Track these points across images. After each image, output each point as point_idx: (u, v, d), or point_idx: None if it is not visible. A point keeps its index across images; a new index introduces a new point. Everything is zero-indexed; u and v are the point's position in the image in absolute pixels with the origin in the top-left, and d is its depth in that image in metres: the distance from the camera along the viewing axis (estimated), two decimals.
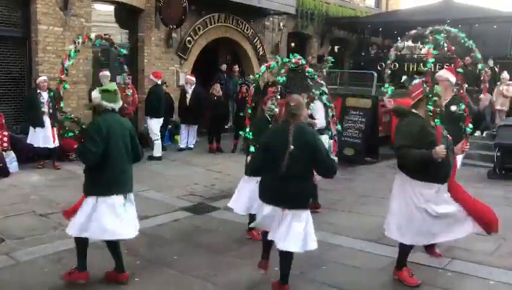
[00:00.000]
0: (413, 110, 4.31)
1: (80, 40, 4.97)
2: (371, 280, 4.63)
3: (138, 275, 4.53)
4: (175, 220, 6.32)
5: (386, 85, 5.77)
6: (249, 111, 5.74)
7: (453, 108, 5.09)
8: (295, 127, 3.97)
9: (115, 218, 4.17)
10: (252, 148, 5.02)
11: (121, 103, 4.37)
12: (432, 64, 4.56)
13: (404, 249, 4.48)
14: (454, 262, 4.94)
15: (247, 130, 5.25)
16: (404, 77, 4.96)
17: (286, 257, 4.14)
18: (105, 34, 6.30)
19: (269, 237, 4.20)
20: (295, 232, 4.00)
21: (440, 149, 4.01)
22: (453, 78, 5.21)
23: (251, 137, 5.13)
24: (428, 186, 4.23)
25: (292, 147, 3.89)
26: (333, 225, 6.15)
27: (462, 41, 5.38)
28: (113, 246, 4.37)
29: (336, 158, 4.51)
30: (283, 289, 4.19)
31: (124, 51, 6.91)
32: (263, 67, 5.82)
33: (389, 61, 6.02)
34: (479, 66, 5.24)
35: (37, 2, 9.44)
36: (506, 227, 6.16)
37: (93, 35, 5.47)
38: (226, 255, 5.08)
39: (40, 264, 4.74)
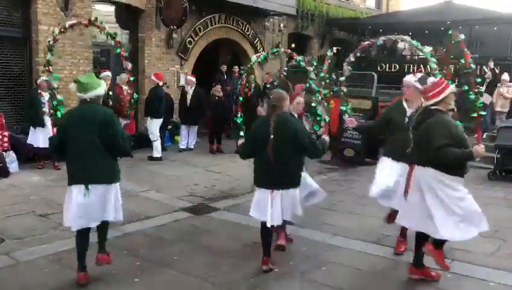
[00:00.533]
0: (440, 108, 4.23)
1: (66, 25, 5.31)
2: (370, 281, 4.63)
3: (138, 276, 4.53)
4: (175, 220, 6.32)
5: (344, 105, 5.74)
6: (240, 99, 6.34)
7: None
8: (277, 118, 4.39)
9: (74, 208, 4.21)
10: (241, 133, 5.26)
11: (94, 93, 4.24)
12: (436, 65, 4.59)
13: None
14: (454, 264, 4.94)
15: (239, 115, 5.91)
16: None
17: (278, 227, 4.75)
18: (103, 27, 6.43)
19: (263, 219, 4.57)
20: (283, 207, 4.51)
21: (481, 148, 4.09)
22: (418, 85, 4.86)
23: (240, 122, 5.53)
24: (458, 181, 4.26)
25: (272, 136, 4.33)
26: (333, 226, 6.15)
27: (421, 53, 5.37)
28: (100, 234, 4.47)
29: (327, 138, 4.87)
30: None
31: (122, 51, 6.92)
32: (254, 57, 5.99)
33: (342, 78, 5.92)
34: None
35: (37, 2, 9.45)
36: (506, 229, 6.18)
37: (68, 24, 5.71)
38: (226, 256, 5.08)
39: (40, 265, 4.74)
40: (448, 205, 4.22)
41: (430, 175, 4.27)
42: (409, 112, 4.95)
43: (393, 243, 5.34)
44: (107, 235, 4.54)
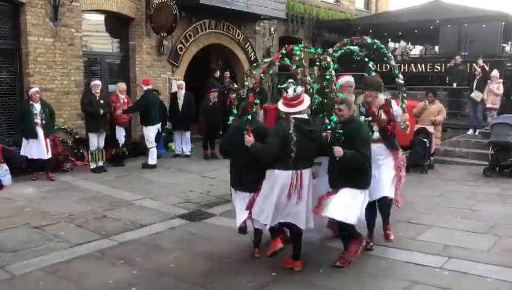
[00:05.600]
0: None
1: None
2: (369, 282, 4.63)
3: (135, 285, 4.50)
4: (171, 228, 6.29)
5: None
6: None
7: None
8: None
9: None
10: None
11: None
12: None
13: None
14: (451, 261, 4.96)
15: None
16: None
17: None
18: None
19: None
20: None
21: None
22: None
23: None
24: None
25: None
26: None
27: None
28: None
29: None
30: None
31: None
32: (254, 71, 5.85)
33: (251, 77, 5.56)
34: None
35: (26, 13, 9.42)
36: (502, 224, 6.22)
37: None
38: (223, 262, 5.05)
39: (35, 277, 4.68)
40: None
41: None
42: None
43: (390, 243, 5.35)
44: None
